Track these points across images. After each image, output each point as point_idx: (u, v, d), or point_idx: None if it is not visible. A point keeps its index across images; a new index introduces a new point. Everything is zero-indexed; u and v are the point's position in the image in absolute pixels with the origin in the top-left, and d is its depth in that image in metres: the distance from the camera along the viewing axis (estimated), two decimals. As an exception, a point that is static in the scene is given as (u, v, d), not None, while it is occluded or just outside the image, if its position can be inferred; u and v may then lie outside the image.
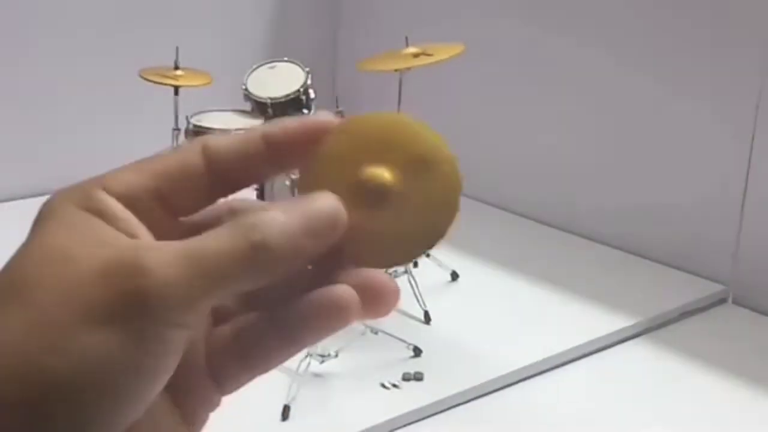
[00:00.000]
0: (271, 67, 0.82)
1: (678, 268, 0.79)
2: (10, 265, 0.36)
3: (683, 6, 0.78)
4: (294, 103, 0.79)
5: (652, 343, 0.68)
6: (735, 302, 0.76)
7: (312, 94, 0.80)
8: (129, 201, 0.38)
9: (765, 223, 0.75)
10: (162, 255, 0.35)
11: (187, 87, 0.75)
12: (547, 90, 0.90)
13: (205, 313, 0.35)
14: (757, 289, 0.75)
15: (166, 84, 0.74)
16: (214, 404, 0.37)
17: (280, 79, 0.81)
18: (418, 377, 0.63)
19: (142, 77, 0.74)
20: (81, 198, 0.38)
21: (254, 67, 0.83)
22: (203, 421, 0.37)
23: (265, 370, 0.35)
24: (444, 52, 0.72)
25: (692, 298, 0.74)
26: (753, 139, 0.75)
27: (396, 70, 0.72)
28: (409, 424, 0.57)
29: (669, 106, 0.80)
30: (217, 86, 0.77)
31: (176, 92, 0.75)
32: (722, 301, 0.76)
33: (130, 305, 0.28)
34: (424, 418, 0.58)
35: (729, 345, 0.69)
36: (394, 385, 0.66)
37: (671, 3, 0.79)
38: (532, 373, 0.62)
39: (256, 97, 0.81)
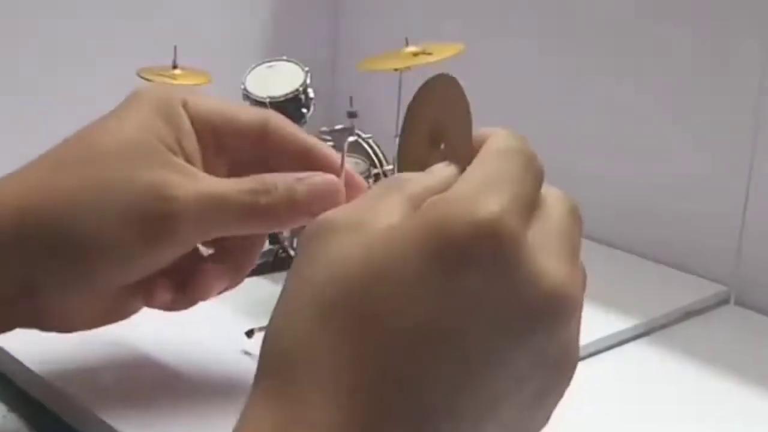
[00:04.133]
0: (270, 67, 0.82)
1: (679, 268, 0.79)
2: (80, 139, 0.50)
3: (680, 6, 0.78)
4: (293, 103, 0.78)
5: (653, 344, 0.68)
6: (737, 303, 0.75)
7: (311, 94, 0.80)
8: (197, 123, 0.51)
9: (767, 223, 0.75)
10: (190, 190, 0.47)
11: (186, 86, 0.75)
12: (547, 90, 0.89)
13: (206, 239, 0.50)
14: (760, 290, 0.75)
15: (164, 83, 0.74)
16: (136, 310, 0.54)
17: (279, 79, 0.81)
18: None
19: (140, 76, 0.74)
20: (163, 106, 0.51)
21: (253, 66, 0.82)
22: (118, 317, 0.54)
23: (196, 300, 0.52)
24: (444, 51, 0.72)
25: (694, 299, 0.73)
26: (755, 138, 0.74)
27: (396, 70, 0.71)
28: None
29: (668, 106, 0.80)
30: (216, 85, 0.76)
31: (175, 92, 0.74)
32: (724, 301, 0.75)
33: (155, 219, 0.46)
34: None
35: (731, 346, 0.68)
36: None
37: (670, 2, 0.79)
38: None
39: (255, 96, 0.81)
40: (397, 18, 1.01)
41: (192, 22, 0.99)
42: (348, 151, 0.75)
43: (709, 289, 0.75)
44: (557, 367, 0.37)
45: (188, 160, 0.49)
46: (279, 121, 0.51)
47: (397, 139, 0.71)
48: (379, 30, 1.03)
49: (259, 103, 0.79)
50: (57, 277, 0.47)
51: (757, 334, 0.71)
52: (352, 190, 0.49)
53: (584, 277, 0.39)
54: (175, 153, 0.49)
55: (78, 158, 0.48)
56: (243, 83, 0.80)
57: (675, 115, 0.80)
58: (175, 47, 0.74)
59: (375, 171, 0.74)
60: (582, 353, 0.65)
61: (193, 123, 0.50)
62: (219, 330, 0.51)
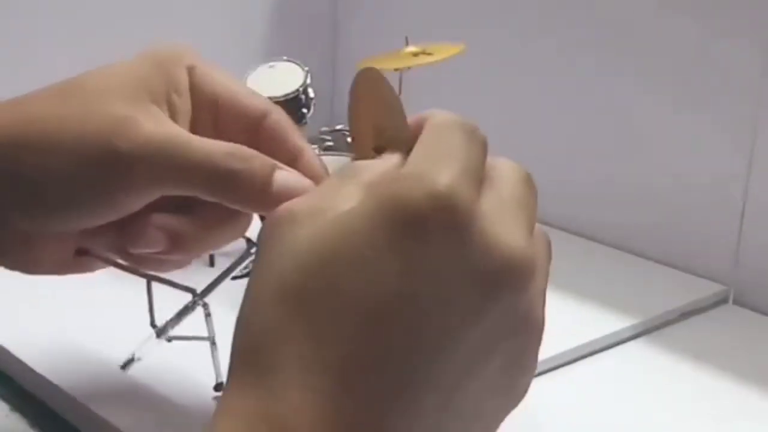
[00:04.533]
0: (271, 67, 0.82)
1: (678, 268, 0.79)
2: (84, 74, 0.49)
3: (680, 6, 0.78)
4: (293, 103, 0.79)
5: (652, 343, 0.68)
6: (736, 302, 0.75)
7: (311, 94, 0.80)
8: (197, 90, 0.50)
9: (766, 223, 0.75)
10: (153, 129, 0.45)
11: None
12: (548, 90, 0.90)
13: (168, 192, 0.47)
14: (759, 290, 0.75)
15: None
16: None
17: (280, 79, 0.81)
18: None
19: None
20: (165, 61, 0.51)
21: (253, 66, 0.83)
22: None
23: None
24: (444, 51, 0.72)
25: (692, 299, 0.73)
26: (755, 137, 0.74)
27: (396, 70, 0.72)
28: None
29: (668, 106, 0.80)
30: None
31: (176, 91, 0.74)
32: (723, 301, 0.75)
33: (110, 158, 0.44)
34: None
35: (730, 345, 0.68)
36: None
37: (667, 3, 0.79)
38: (532, 373, 0.61)
39: (256, 96, 0.81)
40: (397, 18, 1.02)
41: (193, 22, 1.00)
42: (348, 151, 0.75)
43: (708, 289, 0.75)
44: (521, 334, 0.38)
45: (173, 118, 0.48)
46: (279, 116, 0.50)
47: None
48: (379, 30, 1.03)
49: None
50: (19, 210, 0.46)
51: (756, 333, 0.71)
52: None
53: (547, 242, 0.40)
54: (158, 103, 0.47)
55: (60, 93, 0.47)
56: (244, 83, 0.81)
57: (674, 115, 0.80)
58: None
59: (375, 171, 0.74)
60: (581, 353, 0.66)
61: (194, 88, 0.49)
62: (221, 328, 0.51)
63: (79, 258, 0.50)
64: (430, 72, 0.72)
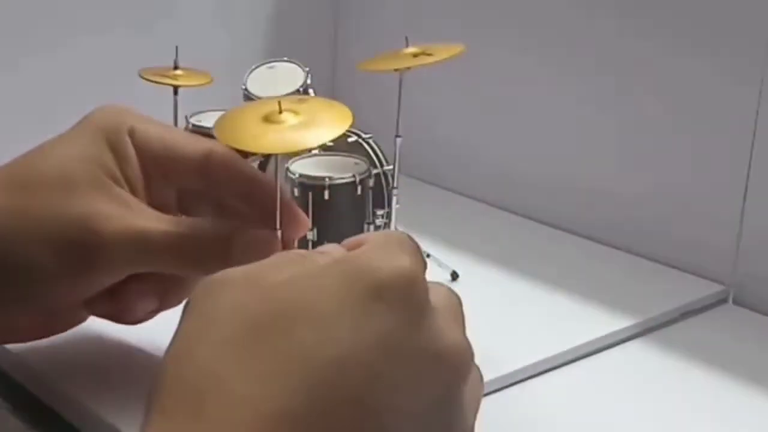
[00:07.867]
0: (271, 67, 0.82)
1: (678, 268, 0.79)
2: (25, 162, 0.51)
3: (681, 5, 0.78)
4: (294, 103, 0.78)
5: (652, 343, 0.68)
6: (735, 302, 0.75)
7: (312, 94, 0.80)
8: (141, 152, 0.53)
9: (766, 222, 0.75)
10: (117, 225, 0.49)
11: (187, 87, 0.75)
12: (547, 92, 0.90)
13: (136, 271, 0.52)
14: (758, 289, 0.75)
15: (165, 84, 0.74)
16: (83, 319, 0.57)
17: (280, 79, 0.81)
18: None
19: (141, 77, 0.74)
20: (111, 134, 0.53)
21: (253, 67, 0.82)
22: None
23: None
24: (444, 52, 0.72)
25: (692, 298, 0.73)
26: (754, 137, 0.74)
27: (396, 70, 0.71)
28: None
29: (668, 107, 0.80)
30: (217, 86, 0.77)
31: (176, 92, 0.75)
32: (723, 301, 0.75)
33: (82, 249, 0.48)
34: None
35: (730, 345, 0.68)
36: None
37: (667, 2, 0.79)
38: (532, 373, 0.62)
39: (256, 97, 0.81)
40: (397, 18, 1.02)
41: (194, 23, 1.00)
42: (348, 152, 0.75)
43: (708, 289, 0.75)
44: (455, 417, 0.39)
45: (132, 188, 0.51)
46: (222, 153, 0.52)
47: (398, 140, 0.72)
48: (379, 30, 1.03)
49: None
50: None
51: (755, 333, 0.71)
52: (290, 220, 0.51)
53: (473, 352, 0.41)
54: (116, 181, 0.50)
55: (20, 183, 0.50)
56: (244, 83, 0.81)
57: (675, 117, 0.80)
58: (177, 48, 0.75)
59: (375, 171, 0.74)
60: (580, 353, 0.66)
61: (138, 152, 0.52)
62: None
63: (60, 321, 0.56)
64: (430, 73, 0.71)
